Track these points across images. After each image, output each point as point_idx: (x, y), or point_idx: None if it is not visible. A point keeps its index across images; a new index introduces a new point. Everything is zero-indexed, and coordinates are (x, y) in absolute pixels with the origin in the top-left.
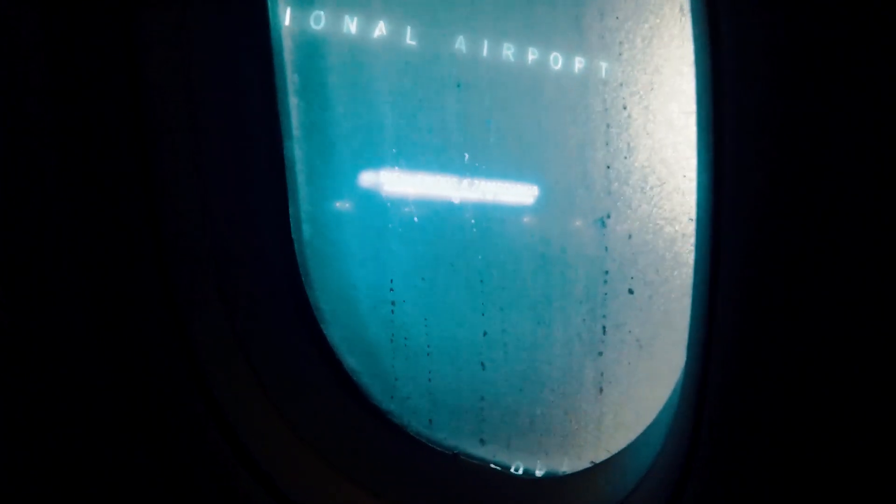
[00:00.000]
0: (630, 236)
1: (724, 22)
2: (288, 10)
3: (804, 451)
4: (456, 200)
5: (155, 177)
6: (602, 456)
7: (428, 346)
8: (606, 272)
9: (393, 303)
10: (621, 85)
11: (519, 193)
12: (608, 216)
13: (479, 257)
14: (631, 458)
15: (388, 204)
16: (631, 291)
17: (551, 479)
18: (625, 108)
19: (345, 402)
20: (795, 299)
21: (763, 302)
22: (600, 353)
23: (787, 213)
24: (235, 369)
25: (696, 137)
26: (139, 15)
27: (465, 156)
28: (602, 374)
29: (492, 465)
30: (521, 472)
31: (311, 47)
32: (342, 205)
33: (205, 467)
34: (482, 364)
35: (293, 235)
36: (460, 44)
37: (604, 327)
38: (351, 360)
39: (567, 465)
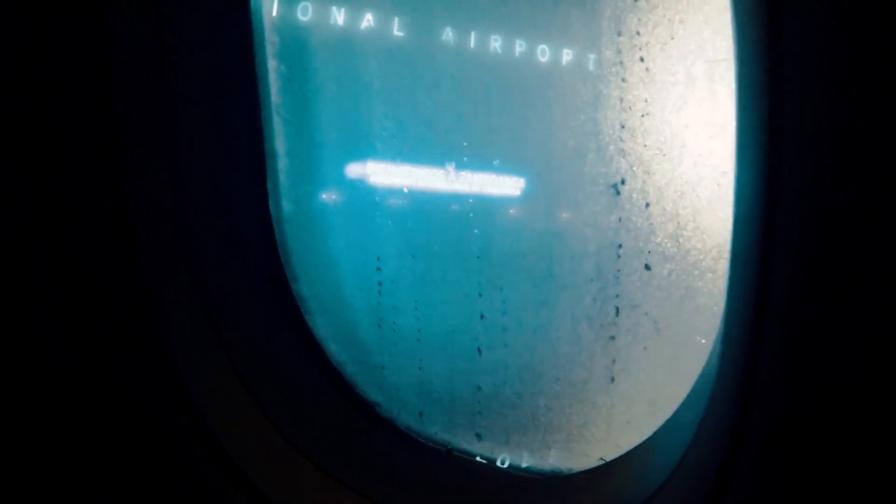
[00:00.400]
0: (647, 205)
1: (789, 25)
2: (275, 1)
3: (866, 460)
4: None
5: (124, 167)
6: (613, 453)
7: (418, 332)
8: (620, 246)
9: (380, 283)
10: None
11: (524, 158)
12: (622, 182)
13: (476, 231)
14: (648, 456)
15: (374, 194)
16: (648, 267)
17: (556, 478)
18: (642, 59)
19: (329, 395)
20: (855, 299)
21: (820, 302)
22: (612, 338)
23: (843, 214)
24: (213, 364)
25: (737, 135)
26: (109, 3)
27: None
28: (614, 361)
29: (489, 462)
30: (520, 468)
31: (298, 38)
32: (327, 196)
33: (180, 467)
34: (479, 350)
35: (274, 226)
36: (447, 35)
37: (616, 308)
38: (334, 348)
39: (574, 463)
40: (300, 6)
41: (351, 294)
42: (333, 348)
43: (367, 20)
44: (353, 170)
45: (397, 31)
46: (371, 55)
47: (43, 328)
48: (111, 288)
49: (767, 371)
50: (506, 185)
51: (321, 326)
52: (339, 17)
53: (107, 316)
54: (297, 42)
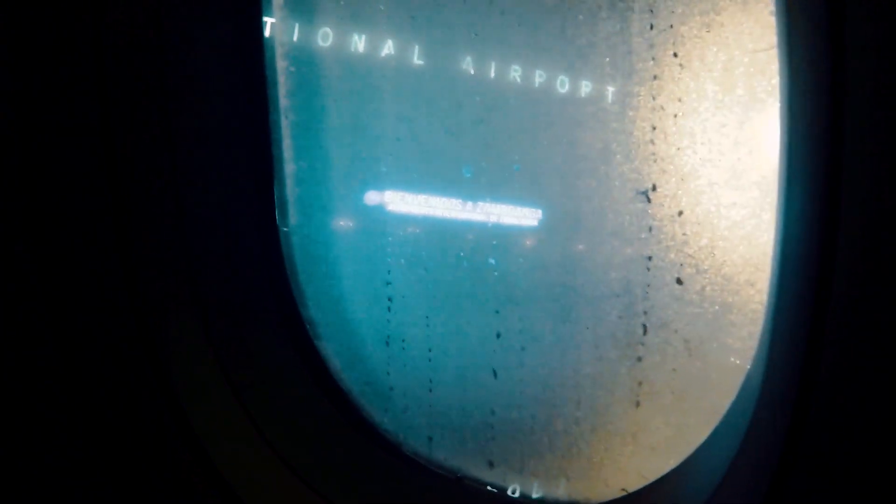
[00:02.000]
0: (680, 213)
1: (852, 27)
2: (296, 27)
3: None
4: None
5: (123, 174)
6: (636, 483)
7: (429, 351)
8: (649, 258)
9: (390, 299)
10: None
11: (547, 169)
12: (653, 188)
13: (494, 242)
14: (674, 488)
15: (390, 221)
16: (679, 281)
17: None
18: (675, 55)
19: (332, 417)
20: None
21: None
22: (639, 359)
23: None
24: (211, 383)
25: (786, 135)
26: (111, 10)
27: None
28: (640, 384)
29: (501, 492)
30: (534, 499)
31: (317, 64)
32: (344, 222)
33: (177, 494)
34: (494, 371)
35: (283, 251)
36: (468, 64)
37: (644, 326)
38: (339, 367)
39: (593, 493)
40: (321, 32)
41: (358, 310)
42: (338, 367)
43: (388, 48)
44: (371, 198)
45: (417, 59)
46: (391, 83)
47: (31, 340)
48: (109, 309)
49: (823, 401)
50: (526, 212)
51: (326, 345)
52: (359, 43)
53: (99, 331)
54: (316, 68)
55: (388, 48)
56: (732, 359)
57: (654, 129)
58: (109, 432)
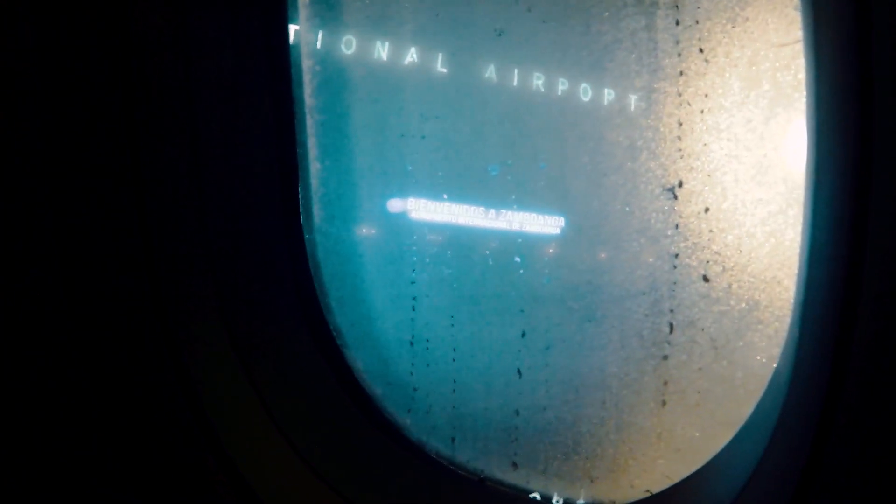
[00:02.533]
0: (707, 210)
1: (879, 19)
2: (320, 34)
3: None
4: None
5: (147, 175)
6: (661, 484)
7: (453, 351)
8: (676, 255)
9: (414, 298)
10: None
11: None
12: (680, 184)
13: (519, 240)
14: (699, 490)
15: (413, 228)
16: (706, 279)
17: None
18: (701, 50)
19: (356, 417)
20: None
21: None
22: (665, 358)
23: None
24: (234, 385)
25: (814, 128)
26: (136, 13)
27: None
28: (666, 383)
29: (525, 493)
30: (559, 502)
31: (341, 71)
32: (367, 230)
33: (199, 497)
34: (518, 372)
35: (307, 253)
36: (490, 72)
37: (670, 324)
38: (362, 366)
39: (617, 495)
40: (344, 40)
41: (382, 311)
42: (361, 368)
43: (412, 55)
44: (394, 205)
45: (441, 66)
46: (414, 90)
47: (54, 340)
48: (133, 311)
49: (852, 402)
50: (550, 217)
51: (349, 345)
52: (383, 51)
53: (123, 332)
54: (339, 75)
55: (411, 56)
56: (759, 357)
57: (681, 125)
58: (133, 435)
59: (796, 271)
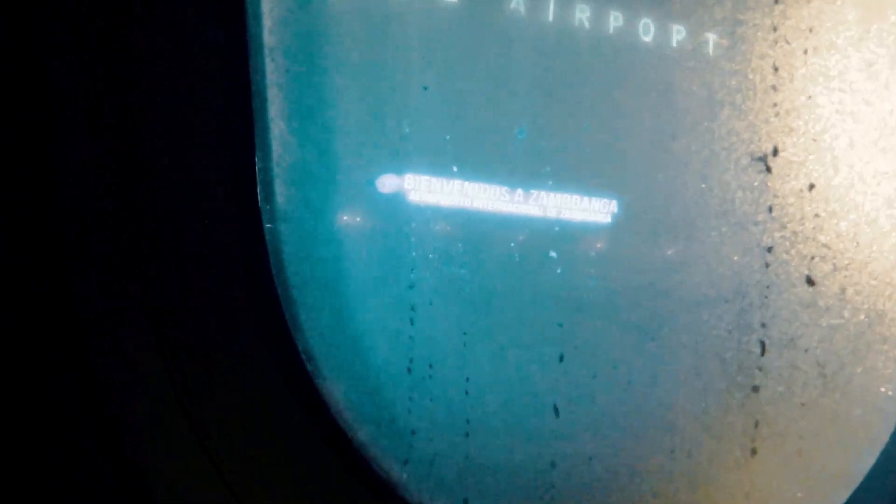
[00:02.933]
0: (812, 186)
1: None
2: None
3: None
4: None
5: (52, 161)
6: None
7: (466, 380)
8: (769, 249)
9: (413, 308)
10: None
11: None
12: (774, 152)
13: (556, 230)
14: None
15: (413, 213)
16: (810, 281)
17: None
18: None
19: (335, 470)
20: None
21: None
22: (755, 389)
23: None
24: (175, 440)
25: None
26: None
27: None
28: (756, 424)
29: None
30: None
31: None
32: (349, 217)
33: None
34: (555, 409)
35: (267, 248)
36: (517, 3)
37: (762, 343)
38: (340, 397)
39: None
40: None
41: (370, 327)
42: (341, 403)
43: None
44: (386, 183)
45: None
46: (414, 24)
47: None
48: (34, 319)
49: None
50: (599, 201)
51: (326, 374)
52: None
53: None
54: (312, 3)
55: None
56: (883, 389)
57: (776, 70)
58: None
59: None
